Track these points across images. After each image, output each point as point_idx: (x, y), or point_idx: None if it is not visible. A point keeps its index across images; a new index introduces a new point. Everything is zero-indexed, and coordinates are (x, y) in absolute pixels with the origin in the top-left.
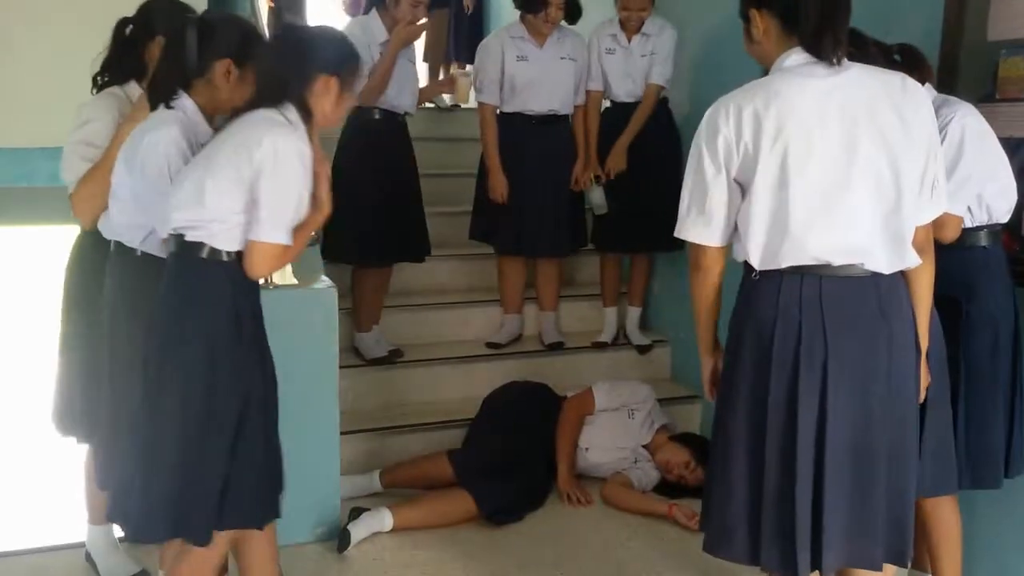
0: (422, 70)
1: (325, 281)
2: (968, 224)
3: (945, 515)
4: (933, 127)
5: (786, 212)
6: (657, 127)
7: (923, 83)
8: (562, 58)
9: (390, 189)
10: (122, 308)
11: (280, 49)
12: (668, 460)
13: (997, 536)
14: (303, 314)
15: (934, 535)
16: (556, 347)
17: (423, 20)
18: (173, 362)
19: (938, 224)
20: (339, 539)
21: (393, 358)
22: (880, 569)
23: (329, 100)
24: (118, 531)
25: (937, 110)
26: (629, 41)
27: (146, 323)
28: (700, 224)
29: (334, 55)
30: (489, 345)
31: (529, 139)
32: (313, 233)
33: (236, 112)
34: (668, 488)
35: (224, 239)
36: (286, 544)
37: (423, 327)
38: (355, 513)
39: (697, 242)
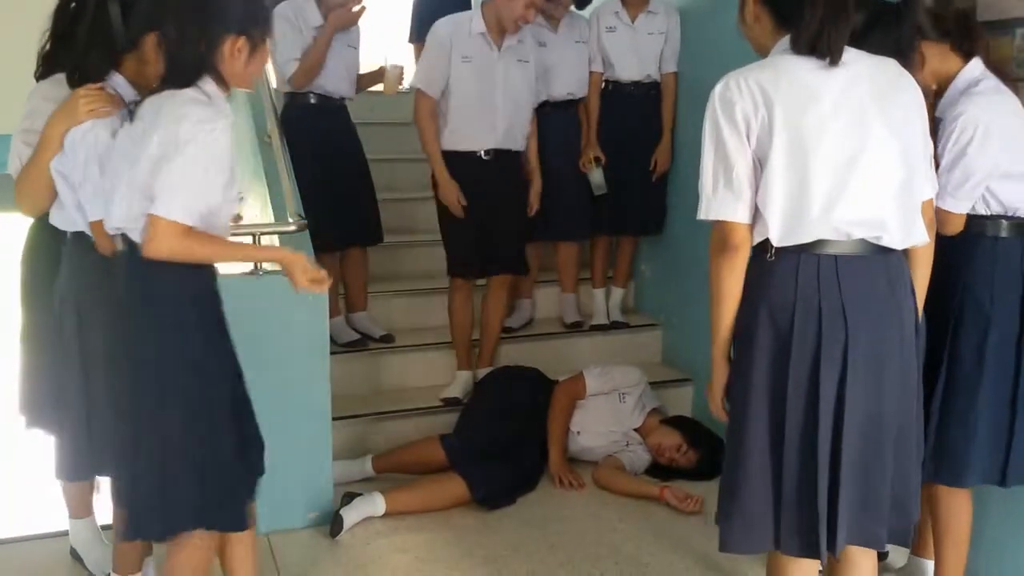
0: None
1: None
2: (982, 212)
3: (956, 505)
4: (924, 110)
5: (806, 185)
6: (644, 110)
7: (972, 55)
8: (576, 41)
9: (332, 173)
10: (97, 305)
11: (179, 16)
12: (659, 443)
13: (1000, 529)
14: (294, 300)
15: (942, 524)
16: (576, 327)
17: (360, 5)
18: (147, 365)
19: (940, 219)
20: (332, 524)
21: (365, 343)
22: (883, 548)
23: (239, 62)
24: (100, 522)
25: (956, 101)
26: (633, 20)
27: (112, 323)
28: (729, 200)
29: (239, 13)
30: None
31: (551, 124)
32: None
33: (150, 93)
34: (660, 471)
35: None
36: (279, 529)
37: (414, 312)
38: (348, 498)
39: (726, 219)
